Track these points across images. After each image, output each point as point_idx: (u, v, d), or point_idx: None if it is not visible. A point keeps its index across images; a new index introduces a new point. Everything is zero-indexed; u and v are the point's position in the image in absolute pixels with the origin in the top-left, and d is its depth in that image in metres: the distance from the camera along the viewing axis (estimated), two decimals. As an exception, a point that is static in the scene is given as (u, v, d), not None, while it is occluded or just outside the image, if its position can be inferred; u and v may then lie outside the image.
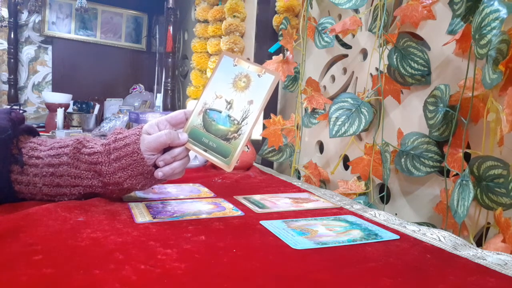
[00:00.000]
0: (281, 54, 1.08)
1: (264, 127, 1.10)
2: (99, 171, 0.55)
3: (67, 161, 0.56)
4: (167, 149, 0.56)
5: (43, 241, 0.41)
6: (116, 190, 0.57)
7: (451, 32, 0.71)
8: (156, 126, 0.56)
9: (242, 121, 0.52)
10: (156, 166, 0.56)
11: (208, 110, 0.55)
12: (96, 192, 0.58)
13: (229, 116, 0.53)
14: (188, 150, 0.56)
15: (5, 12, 2.17)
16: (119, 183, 0.55)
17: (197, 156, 0.99)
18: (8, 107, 2.07)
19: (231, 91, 0.54)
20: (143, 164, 0.54)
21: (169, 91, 1.88)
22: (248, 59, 0.53)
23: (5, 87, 2.25)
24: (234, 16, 1.47)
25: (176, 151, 0.55)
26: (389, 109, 0.85)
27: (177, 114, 0.57)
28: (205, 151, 0.54)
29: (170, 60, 1.87)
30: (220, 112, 0.54)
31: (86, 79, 2.43)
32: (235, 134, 0.52)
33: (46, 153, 0.57)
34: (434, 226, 0.70)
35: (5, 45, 2.24)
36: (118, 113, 1.84)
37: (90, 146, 0.57)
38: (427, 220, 0.76)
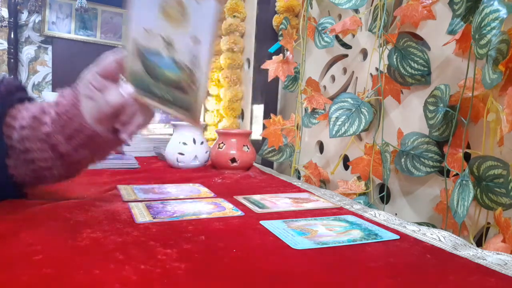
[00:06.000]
0: (281, 54, 1.08)
1: (264, 127, 1.10)
2: (63, 152, 0.50)
3: (31, 147, 0.51)
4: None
5: (43, 241, 0.41)
6: (90, 163, 0.54)
7: (451, 32, 0.71)
8: (92, 87, 0.47)
9: (192, 67, 0.41)
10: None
11: (144, 52, 0.44)
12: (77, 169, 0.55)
13: (174, 60, 0.42)
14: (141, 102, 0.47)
15: (5, 12, 2.17)
16: (86, 158, 0.52)
17: (197, 156, 0.99)
18: None
19: (163, 24, 0.42)
20: (100, 137, 0.49)
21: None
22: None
23: (5, 87, 2.25)
24: (234, 16, 1.47)
25: (129, 109, 0.47)
26: (389, 109, 0.85)
27: (108, 64, 0.47)
28: (162, 103, 0.45)
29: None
30: (160, 53, 0.43)
31: (86, 79, 2.43)
32: (191, 84, 0.42)
33: (15, 136, 0.51)
34: (434, 226, 0.70)
35: (5, 45, 2.24)
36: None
37: (45, 121, 0.50)
38: (427, 220, 0.76)
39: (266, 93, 1.30)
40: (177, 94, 0.43)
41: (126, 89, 0.46)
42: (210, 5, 0.40)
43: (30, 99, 0.57)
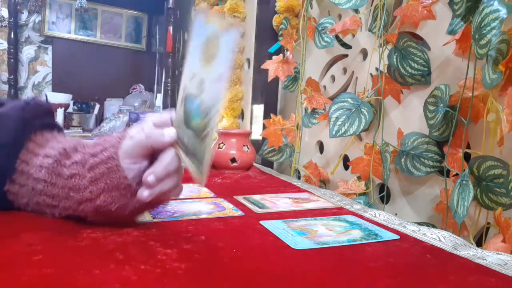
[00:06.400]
0: (281, 54, 1.08)
1: (264, 127, 1.10)
2: (73, 186, 0.45)
3: (44, 177, 0.46)
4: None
5: (43, 241, 0.41)
6: (89, 211, 0.45)
7: (451, 32, 0.71)
8: (142, 131, 0.44)
9: (211, 111, 0.37)
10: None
11: (186, 97, 0.41)
12: (76, 215, 0.47)
13: (200, 103, 0.38)
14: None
15: (5, 12, 2.17)
16: (90, 199, 0.44)
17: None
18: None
19: (201, 64, 0.39)
20: (118, 174, 0.43)
21: (169, 91, 1.88)
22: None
23: (5, 87, 2.25)
24: (234, 16, 1.47)
25: (167, 157, 0.43)
26: (389, 109, 0.85)
27: (164, 117, 0.45)
28: (186, 154, 0.42)
29: (170, 60, 1.87)
30: (193, 97, 0.39)
31: (86, 79, 2.43)
32: (205, 128, 0.38)
33: (35, 162, 0.47)
34: (434, 226, 0.70)
35: (5, 45, 2.24)
36: (118, 113, 1.84)
37: (73, 157, 0.46)
38: (427, 220, 0.76)
39: (266, 93, 1.29)
40: (197, 143, 0.40)
41: (167, 131, 0.43)
42: (233, 35, 0.36)
43: (57, 127, 0.54)
